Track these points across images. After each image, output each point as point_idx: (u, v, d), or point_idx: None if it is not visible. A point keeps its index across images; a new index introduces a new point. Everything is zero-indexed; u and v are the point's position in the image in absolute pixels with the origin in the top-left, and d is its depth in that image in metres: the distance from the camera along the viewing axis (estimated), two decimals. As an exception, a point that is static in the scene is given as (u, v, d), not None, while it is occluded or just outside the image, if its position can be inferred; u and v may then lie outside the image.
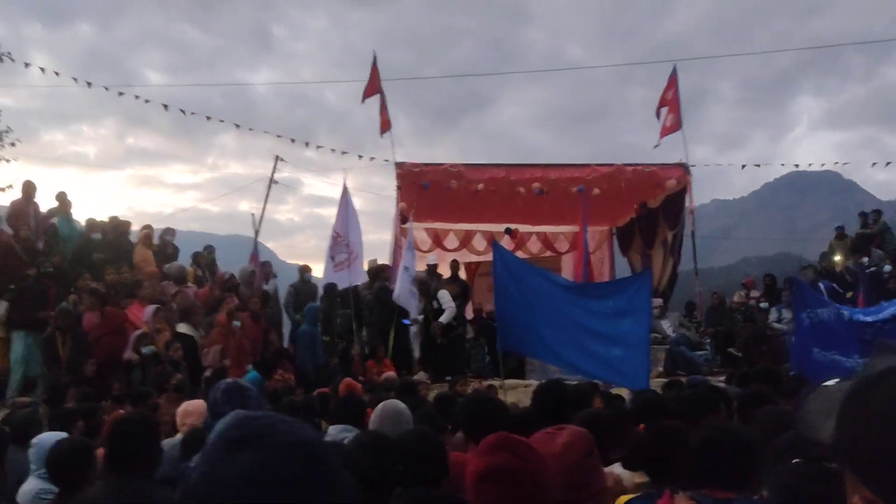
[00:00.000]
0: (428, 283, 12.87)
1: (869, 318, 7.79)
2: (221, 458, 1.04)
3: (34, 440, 4.34)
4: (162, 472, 3.11)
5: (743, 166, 20.78)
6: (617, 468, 3.46)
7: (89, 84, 16.38)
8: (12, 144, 17.77)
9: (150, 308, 9.86)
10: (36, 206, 12.34)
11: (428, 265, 14.68)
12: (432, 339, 12.19)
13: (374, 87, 14.48)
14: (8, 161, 17.80)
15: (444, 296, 12.42)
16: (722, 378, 8.14)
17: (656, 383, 8.73)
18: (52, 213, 12.47)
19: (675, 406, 4.58)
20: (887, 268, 12.74)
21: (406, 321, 12.10)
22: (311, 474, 1.06)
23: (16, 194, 13.89)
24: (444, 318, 12.14)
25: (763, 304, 13.37)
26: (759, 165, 19.31)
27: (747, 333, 12.63)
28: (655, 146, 15.36)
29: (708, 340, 13.25)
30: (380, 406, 4.29)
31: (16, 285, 10.40)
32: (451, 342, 12.22)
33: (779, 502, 2.37)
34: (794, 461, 2.46)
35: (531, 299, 7.89)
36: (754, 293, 14.22)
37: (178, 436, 4.85)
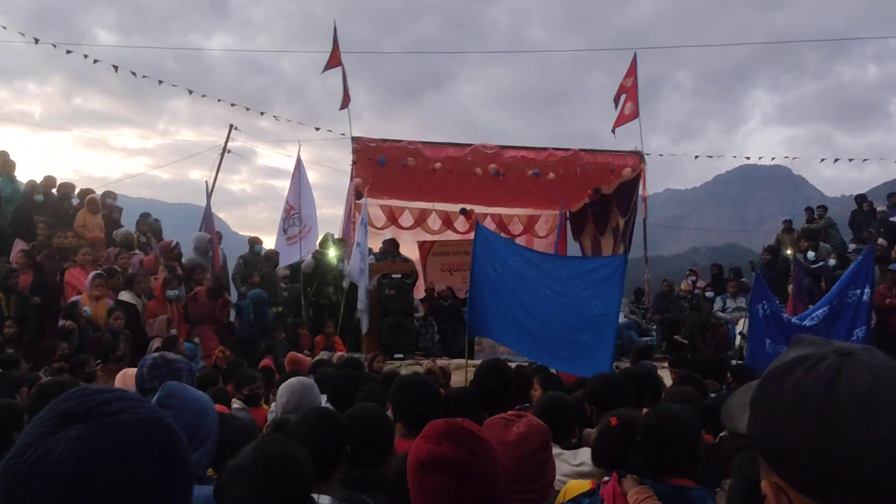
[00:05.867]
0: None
1: (805, 323, 7.95)
2: (48, 433, 0.96)
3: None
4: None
5: (696, 157, 21.27)
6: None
7: (36, 40, 15.74)
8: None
9: (91, 275, 9.56)
10: (-24, 164, 11.89)
11: (384, 241, 14.57)
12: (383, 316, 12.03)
13: (335, 59, 14.22)
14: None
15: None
16: (666, 364, 8.23)
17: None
18: (-7, 172, 12.03)
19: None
20: (832, 262, 13.03)
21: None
22: (146, 455, 0.98)
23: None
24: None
25: (709, 293, 13.60)
26: (711, 157, 19.92)
27: (693, 321, 12.85)
28: (613, 131, 15.46)
29: (654, 327, 13.46)
30: (286, 382, 4.11)
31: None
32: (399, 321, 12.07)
33: (742, 492, 2.38)
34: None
35: (509, 283, 7.73)
36: (700, 283, 14.46)
37: None
